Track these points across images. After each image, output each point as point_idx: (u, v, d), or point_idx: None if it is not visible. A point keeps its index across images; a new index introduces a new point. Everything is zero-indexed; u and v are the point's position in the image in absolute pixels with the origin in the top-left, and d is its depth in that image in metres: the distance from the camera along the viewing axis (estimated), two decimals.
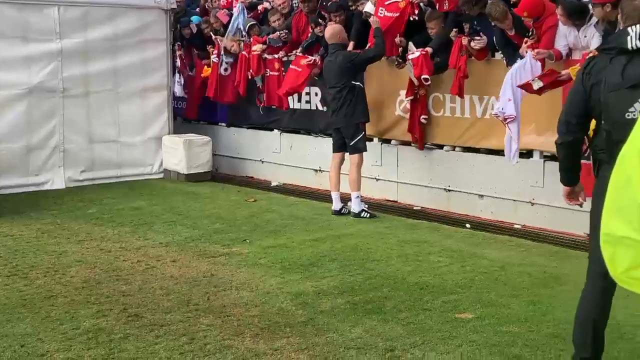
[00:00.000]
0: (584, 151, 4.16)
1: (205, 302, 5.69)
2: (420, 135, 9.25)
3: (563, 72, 7.30)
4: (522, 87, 7.46)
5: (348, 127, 8.87)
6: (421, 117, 9.14)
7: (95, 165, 11.37)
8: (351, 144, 8.87)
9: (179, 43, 12.69)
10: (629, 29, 3.62)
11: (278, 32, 11.18)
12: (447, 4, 8.89)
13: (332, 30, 9.13)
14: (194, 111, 13.14)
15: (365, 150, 8.96)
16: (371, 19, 9.05)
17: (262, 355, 4.64)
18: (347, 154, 9.05)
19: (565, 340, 4.69)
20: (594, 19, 7.49)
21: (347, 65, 8.82)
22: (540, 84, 7.30)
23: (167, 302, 5.70)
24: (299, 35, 11.09)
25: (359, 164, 8.87)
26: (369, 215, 8.76)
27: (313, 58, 10.08)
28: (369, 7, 9.54)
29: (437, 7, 9.03)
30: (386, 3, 9.23)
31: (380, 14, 9.23)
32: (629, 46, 3.59)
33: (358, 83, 8.92)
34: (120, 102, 11.59)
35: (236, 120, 12.49)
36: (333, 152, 9.18)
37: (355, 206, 8.81)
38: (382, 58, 9.23)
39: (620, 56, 3.63)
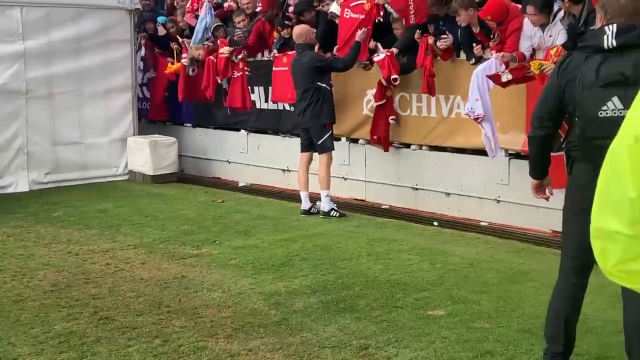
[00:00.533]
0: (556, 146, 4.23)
1: (177, 304, 5.67)
2: (386, 136, 9.30)
3: (532, 71, 7.42)
4: (490, 77, 7.57)
5: (315, 128, 8.89)
6: (389, 118, 9.20)
7: (59, 168, 11.25)
8: (319, 143, 8.89)
9: (143, 34, 12.59)
10: (606, 27, 3.68)
11: (235, 32, 11.19)
12: (413, 17, 8.92)
13: (299, 30, 9.13)
14: (158, 112, 13.07)
15: (333, 149, 8.99)
16: (358, 33, 8.98)
17: (236, 355, 4.64)
18: (315, 154, 9.07)
19: (535, 335, 4.77)
20: (559, 16, 7.61)
21: (313, 67, 8.83)
22: (510, 77, 7.41)
23: (138, 305, 5.67)
24: (259, 40, 11.06)
25: (327, 162, 8.90)
26: (338, 214, 8.80)
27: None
28: (334, 8, 9.58)
29: (404, 22, 9.04)
30: (352, 5, 9.27)
31: (346, 15, 9.27)
32: (605, 45, 3.65)
33: (324, 85, 8.92)
34: (85, 104, 11.49)
35: (202, 120, 12.45)
36: (301, 151, 9.19)
37: (325, 205, 8.84)
38: None
39: (596, 55, 3.69)
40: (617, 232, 1.88)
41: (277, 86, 10.40)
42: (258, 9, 11.37)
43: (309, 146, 9.07)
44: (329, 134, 8.90)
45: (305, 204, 8.99)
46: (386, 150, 9.39)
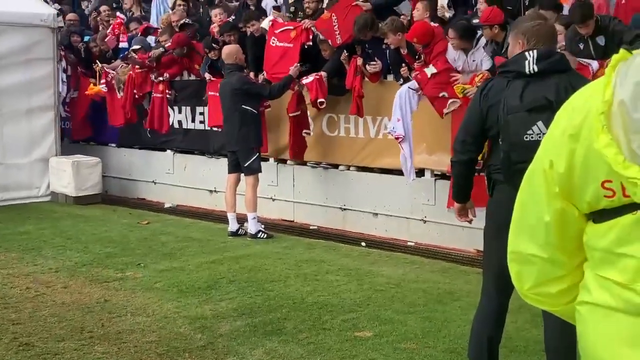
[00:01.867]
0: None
1: (100, 329, 5.53)
2: (302, 148, 9.32)
3: (458, 75, 7.60)
4: (416, 78, 7.71)
5: (242, 150, 8.82)
6: (303, 132, 9.24)
7: None
8: (245, 165, 8.80)
9: (64, 47, 12.35)
10: (527, 53, 3.77)
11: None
12: (339, 38, 8.97)
13: (228, 50, 9.03)
14: (81, 131, 12.81)
15: (260, 171, 8.93)
16: (291, 69, 8.98)
17: None
18: (242, 175, 9.01)
19: (461, 355, 4.82)
20: (482, 42, 7.78)
21: (240, 89, 8.72)
22: (434, 70, 7.55)
23: (59, 330, 5.50)
24: (175, 60, 11.02)
25: (254, 184, 8.83)
26: (265, 235, 8.75)
27: None
28: (265, 24, 9.57)
29: (330, 42, 9.09)
30: (277, 31, 9.27)
31: (273, 43, 9.27)
32: (527, 70, 3.73)
33: (250, 108, 8.77)
34: (5, 123, 11.16)
35: (127, 140, 12.25)
36: (228, 173, 9.11)
37: (252, 227, 8.78)
38: None
39: (518, 80, 3.77)
40: (533, 255, 1.93)
41: (212, 111, 10.29)
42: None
43: (236, 167, 8.99)
44: (256, 156, 8.82)
45: (233, 226, 8.91)
46: (300, 158, 9.42)
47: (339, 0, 9.16)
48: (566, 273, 1.93)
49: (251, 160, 8.77)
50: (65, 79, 12.45)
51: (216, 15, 10.78)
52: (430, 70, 7.58)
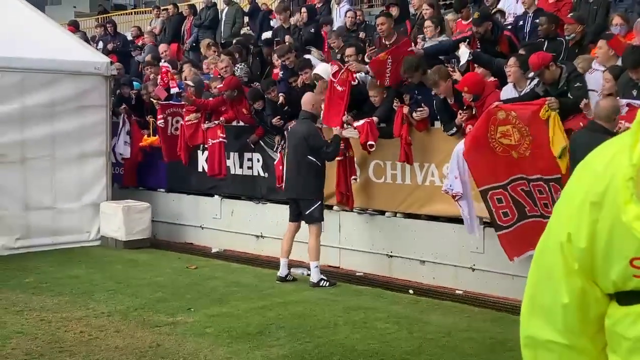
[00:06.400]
0: None
1: None
2: (349, 194, 9.33)
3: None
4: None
5: (302, 200, 8.77)
6: (351, 178, 9.27)
7: (31, 233, 11.10)
8: (307, 213, 8.70)
9: (125, 107, 12.71)
10: None
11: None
12: (388, 80, 9.09)
13: (307, 98, 8.99)
14: (131, 178, 13.06)
15: (322, 220, 8.84)
16: (343, 131, 8.98)
17: None
18: (302, 223, 8.89)
19: None
20: (534, 82, 7.89)
21: (306, 139, 8.67)
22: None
23: None
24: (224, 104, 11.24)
25: (317, 233, 8.72)
26: (328, 283, 8.64)
27: None
28: (320, 70, 9.71)
29: (378, 82, 9.22)
30: (337, 78, 9.30)
31: (336, 86, 9.29)
32: None
33: (315, 160, 8.68)
34: (57, 168, 11.42)
35: (175, 185, 12.44)
36: (289, 221, 8.97)
37: (314, 275, 8.66)
38: None
39: None
40: (551, 341, 1.71)
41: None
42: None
43: (297, 216, 8.89)
44: (318, 205, 8.70)
45: (283, 271, 8.89)
46: (350, 207, 9.42)
47: (400, 44, 9.28)
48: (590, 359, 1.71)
49: (313, 208, 8.67)
50: (128, 141, 12.71)
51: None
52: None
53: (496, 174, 7.45)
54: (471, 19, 10.23)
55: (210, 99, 11.37)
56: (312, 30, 13.21)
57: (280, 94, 10.35)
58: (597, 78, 7.84)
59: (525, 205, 7.42)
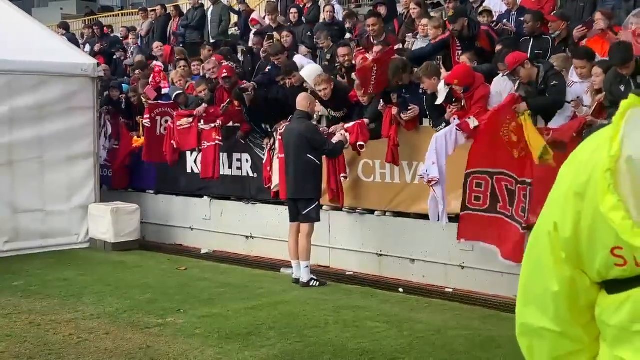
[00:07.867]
0: None
1: None
2: (339, 192, 9.34)
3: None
4: (459, 127, 7.70)
5: (301, 200, 8.74)
6: (340, 176, 9.27)
7: (19, 235, 11.05)
8: (304, 212, 8.67)
9: (108, 107, 12.65)
10: None
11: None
12: (372, 88, 9.07)
13: (301, 97, 8.99)
14: (120, 181, 13.01)
15: (318, 220, 8.82)
16: (342, 133, 8.99)
17: None
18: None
19: None
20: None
21: (306, 138, 8.65)
22: (476, 122, 7.56)
23: None
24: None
25: (309, 233, 8.70)
26: (318, 283, 8.63)
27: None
28: (306, 74, 9.78)
29: (362, 92, 9.22)
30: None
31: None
32: None
33: (314, 159, 8.68)
34: (46, 170, 11.37)
35: (164, 187, 12.41)
36: (290, 221, 8.94)
37: (304, 275, 8.65)
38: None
39: None
40: (544, 328, 1.72)
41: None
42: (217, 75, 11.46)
43: (296, 216, 8.85)
44: (315, 205, 8.70)
45: (297, 273, 8.77)
46: (341, 205, 9.42)
47: (385, 52, 9.31)
48: (583, 347, 1.72)
49: (310, 208, 8.65)
50: (107, 145, 12.71)
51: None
52: (472, 122, 7.59)
53: (491, 159, 7.51)
54: (447, 17, 10.25)
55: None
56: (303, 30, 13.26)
57: (252, 82, 10.35)
58: (576, 91, 7.87)
59: (500, 200, 7.48)
